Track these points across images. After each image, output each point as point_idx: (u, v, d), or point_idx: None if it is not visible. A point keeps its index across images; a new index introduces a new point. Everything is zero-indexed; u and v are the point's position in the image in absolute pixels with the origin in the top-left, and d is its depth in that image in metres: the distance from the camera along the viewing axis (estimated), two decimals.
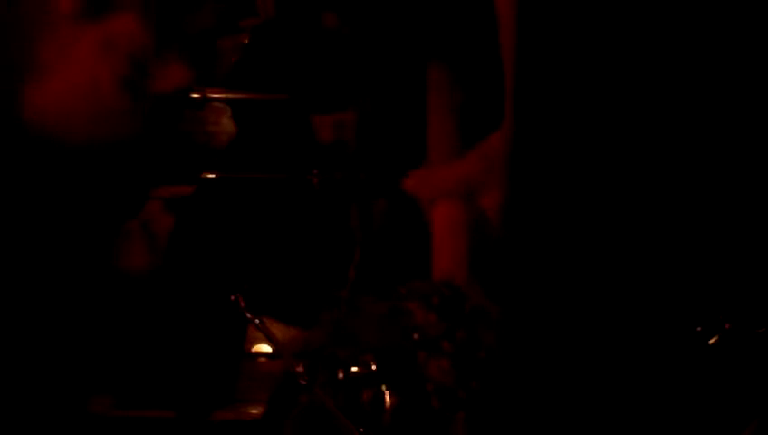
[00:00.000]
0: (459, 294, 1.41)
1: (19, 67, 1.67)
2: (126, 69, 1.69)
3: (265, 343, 2.68)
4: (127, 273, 2.25)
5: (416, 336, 1.37)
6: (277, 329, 2.56)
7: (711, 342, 1.92)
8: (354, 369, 2.34)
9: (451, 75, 1.71)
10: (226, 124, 2.91)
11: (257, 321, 2.47)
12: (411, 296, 1.39)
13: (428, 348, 1.36)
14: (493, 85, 1.60)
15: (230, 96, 2.89)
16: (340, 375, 2.35)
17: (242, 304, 2.47)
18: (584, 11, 1.76)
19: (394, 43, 2.43)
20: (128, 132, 1.78)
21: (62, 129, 1.71)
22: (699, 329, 1.92)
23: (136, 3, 1.68)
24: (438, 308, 1.37)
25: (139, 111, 1.75)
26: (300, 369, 2.37)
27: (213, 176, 2.82)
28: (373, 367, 2.34)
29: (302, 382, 2.36)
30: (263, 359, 2.73)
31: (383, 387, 2.33)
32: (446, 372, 1.36)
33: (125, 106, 1.72)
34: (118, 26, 1.67)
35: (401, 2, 2.18)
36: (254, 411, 2.65)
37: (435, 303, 1.37)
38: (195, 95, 2.82)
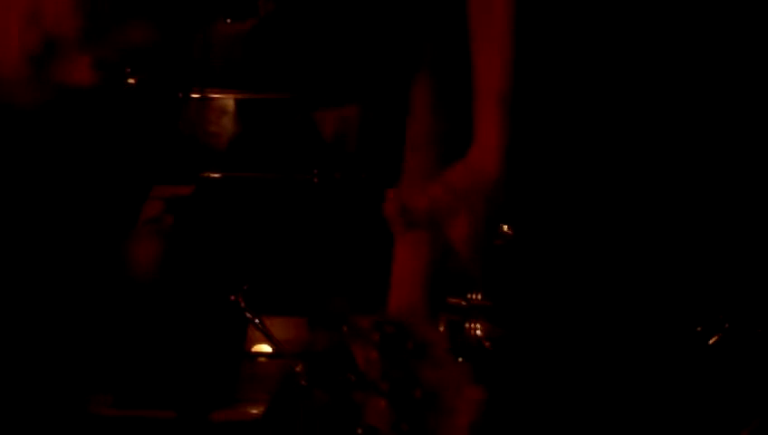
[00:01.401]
0: (402, 330, 1.37)
1: None
2: (37, 45, 1.70)
3: (265, 343, 2.68)
4: (133, 274, 2.25)
5: (352, 378, 1.35)
6: (277, 329, 2.56)
7: (711, 342, 1.92)
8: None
9: (438, 87, 1.70)
10: (226, 124, 2.91)
11: (257, 321, 2.46)
12: (352, 335, 1.36)
13: (366, 389, 1.34)
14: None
15: (230, 96, 2.89)
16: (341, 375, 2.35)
17: (242, 304, 2.47)
18: (580, 25, 1.76)
19: (390, 44, 2.43)
20: (28, 102, 1.78)
21: None
22: (699, 329, 1.92)
23: None
24: (379, 346, 1.35)
25: (40, 88, 1.75)
26: (300, 369, 2.36)
27: (213, 176, 2.82)
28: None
29: (302, 383, 2.36)
30: (263, 359, 2.73)
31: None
32: (381, 412, 1.34)
33: (26, 79, 1.72)
34: (47, 4, 1.67)
35: (396, 5, 2.18)
36: (254, 411, 2.65)
37: (375, 340, 1.35)
38: (195, 95, 2.82)
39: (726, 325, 1.92)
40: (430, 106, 1.67)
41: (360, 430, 1.32)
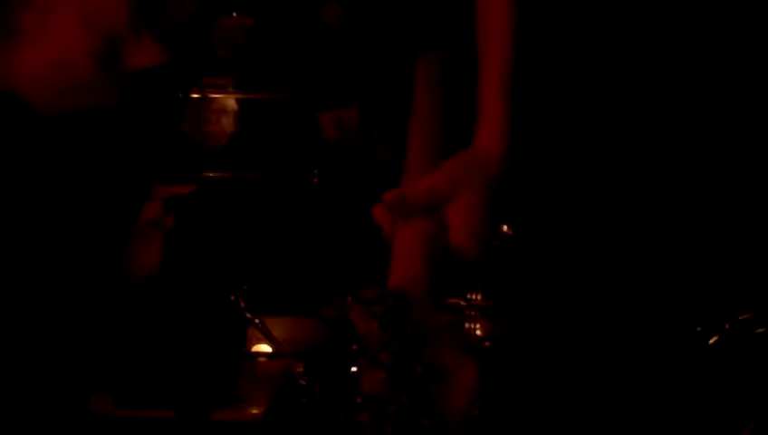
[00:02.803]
0: (405, 304, 1.37)
1: None
2: (100, 44, 1.71)
3: (265, 343, 2.68)
4: (133, 274, 2.25)
5: (354, 347, 1.34)
6: (277, 329, 2.56)
7: (711, 342, 1.92)
8: (354, 369, 2.34)
9: (439, 76, 1.70)
10: (226, 124, 2.91)
11: (257, 321, 2.47)
12: (355, 305, 1.36)
13: (366, 359, 1.33)
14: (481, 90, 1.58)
15: (230, 96, 2.89)
16: (340, 375, 2.36)
17: (242, 304, 2.47)
18: (583, 14, 1.76)
19: (393, 40, 2.43)
20: (100, 104, 1.79)
21: (33, 96, 1.73)
22: (699, 329, 1.92)
23: None
24: (381, 317, 1.34)
25: (112, 85, 1.76)
26: (300, 369, 2.37)
27: (213, 176, 2.82)
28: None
29: (302, 382, 2.37)
30: (263, 359, 2.73)
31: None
32: (380, 384, 1.33)
33: (97, 80, 1.73)
34: (95, 0, 1.68)
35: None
36: (254, 411, 2.66)
37: (378, 312, 1.34)
38: (195, 95, 2.82)
39: (726, 325, 1.92)
40: (433, 98, 1.67)
41: (359, 400, 1.32)
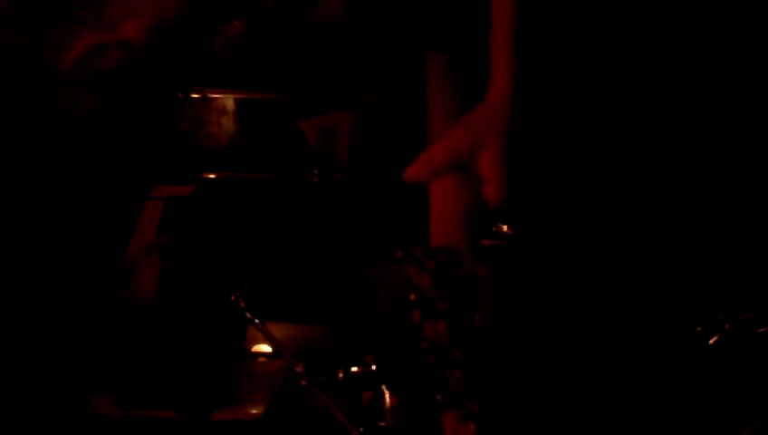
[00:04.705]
0: (455, 259, 1.40)
1: None
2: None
3: (265, 343, 2.68)
4: (133, 274, 2.25)
5: (412, 297, 1.36)
6: (277, 329, 2.56)
7: (711, 342, 1.92)
8: (354, 369, 2.35)
9: (450, 63, 1.71)
10: (226, 124, 2.90)
11: (257, 321, 2.47)
12: (407, 260, 1.38)
13: (424, 309, 1.35)
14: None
15: (230, 96, 2.89)
16: (341, 375, 2.36)
17: (242, 305, 2.47)
18: (581, 26, 1.77)
19: (392, 33, 2.43)
20: None
21: None
22: (699, 329, 1.93)
23: None
24: (434, 272, 1.37)
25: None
26: (300, 369, 2.37)
27: (213, 176, 2.82)
28: (373, 367, 2.34)
29: (302, 382, 2.36)
30: (263, 359, 2.73)
31: (383, 387, 2.33)
32: (442, 333, 1.35)
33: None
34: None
35: None
36: (254, 411, 2.65)
37: (430, 267, 1.37)
38: (195, 95, 2.81)
39: (726, 325, 1.92)
40: (447, 79, 1.68)
41: (425, 345, 1.35)
